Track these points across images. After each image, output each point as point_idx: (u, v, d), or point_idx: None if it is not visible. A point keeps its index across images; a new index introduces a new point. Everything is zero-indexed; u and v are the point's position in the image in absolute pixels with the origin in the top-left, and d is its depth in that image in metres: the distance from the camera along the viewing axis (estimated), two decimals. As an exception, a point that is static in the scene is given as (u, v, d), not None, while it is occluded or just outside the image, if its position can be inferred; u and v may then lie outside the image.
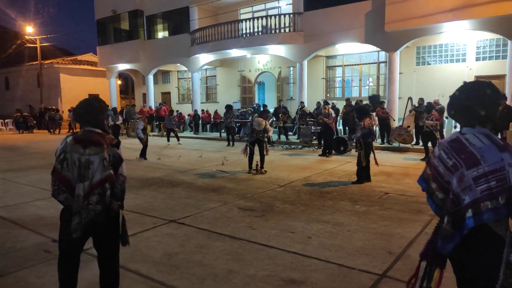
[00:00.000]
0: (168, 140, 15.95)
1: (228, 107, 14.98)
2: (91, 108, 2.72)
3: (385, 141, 13.25)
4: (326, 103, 11.97)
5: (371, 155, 7.61)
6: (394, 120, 13.63)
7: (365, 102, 14.16)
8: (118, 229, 2.77)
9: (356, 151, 7.73)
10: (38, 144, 16.23)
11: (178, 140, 15.46)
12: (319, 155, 11.36)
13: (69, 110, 24.61)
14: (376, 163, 7.66)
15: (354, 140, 8.24)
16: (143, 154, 11.18)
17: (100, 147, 2.62)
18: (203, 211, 5.66)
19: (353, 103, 13.88)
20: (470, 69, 13.56)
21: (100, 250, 2.81)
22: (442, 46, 14.16)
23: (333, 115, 11.75)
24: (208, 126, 20.47)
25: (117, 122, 15.73)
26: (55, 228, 4.90)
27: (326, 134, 11.56)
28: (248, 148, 8.85)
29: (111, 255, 2.84)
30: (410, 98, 12.90)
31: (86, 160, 2.58)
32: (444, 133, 12.52)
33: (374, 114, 13.26)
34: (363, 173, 7.50)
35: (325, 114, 11.46)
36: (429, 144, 10.15)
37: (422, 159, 10.19)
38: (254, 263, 3.80)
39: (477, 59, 13.49)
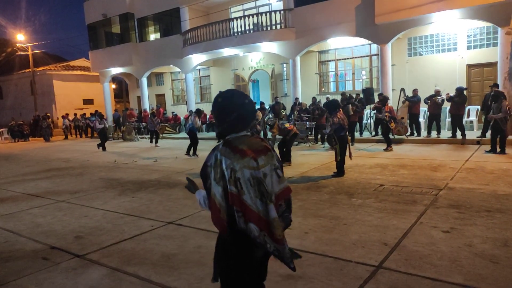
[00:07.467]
0: (151, 142, 16.01)
1: None
2: (242, 107, 2.03)
3: (379, 133, 13.28)
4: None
5: (347, 149, 7.55)
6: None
7: (361, 95, 14.22)
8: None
9: (332, 147, 7.73)
10: (34, 152, 16.20)
11: (156, 142, 15.61)
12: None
13: (63, 117, 24.56)
14: (350, 156, 7.61)
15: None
16: (194, 151, 11.62)
17: (268, 154, 2.02)
18: (201, 211, 5.67)
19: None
20: (462, 58, 13.61)
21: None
22: (433, 36, 14.20)
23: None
24: (204, 126, 20.47)
25: (106, 126, 15.85)
26: (52, 235, 4.94)
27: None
28: None
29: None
30: (403, 89, 12.93)
31: (262, 173, 1.95)
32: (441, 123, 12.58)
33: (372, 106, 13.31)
34: (338, 167, 7.52)
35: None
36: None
37: (385, 149, 10.56)
38: (251, 260, 3.82)
39: (468, 47, 13.54)
